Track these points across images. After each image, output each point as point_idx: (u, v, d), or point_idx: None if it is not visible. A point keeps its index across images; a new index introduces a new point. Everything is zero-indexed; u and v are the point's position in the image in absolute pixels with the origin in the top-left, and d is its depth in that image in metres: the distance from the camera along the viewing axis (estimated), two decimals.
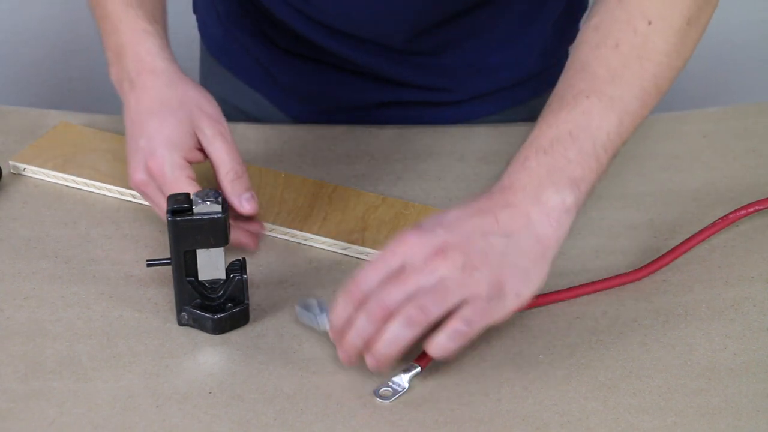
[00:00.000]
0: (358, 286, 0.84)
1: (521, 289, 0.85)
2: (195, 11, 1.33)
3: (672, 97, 1.96)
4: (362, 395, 0.87)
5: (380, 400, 0.86)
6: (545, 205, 0.87)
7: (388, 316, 0.83)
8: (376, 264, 0.85)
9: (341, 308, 0.85)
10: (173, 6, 1.78)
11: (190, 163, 0.97)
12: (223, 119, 0.99)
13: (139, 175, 0.97)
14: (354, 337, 0.84)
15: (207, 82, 1.33)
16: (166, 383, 0.88)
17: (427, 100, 1.20)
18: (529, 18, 1.19)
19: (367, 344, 0.84)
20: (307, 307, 0.91)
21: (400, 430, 0.84)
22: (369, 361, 0.85)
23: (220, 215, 0.88)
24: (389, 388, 0.87)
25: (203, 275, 0.92)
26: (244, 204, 0.97)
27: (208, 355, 0.90)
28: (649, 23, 0.91)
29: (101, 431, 0.84)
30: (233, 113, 1.28)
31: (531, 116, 1.25)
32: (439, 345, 0.84)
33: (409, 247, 0.84)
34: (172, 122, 0.97)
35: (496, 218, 0.86)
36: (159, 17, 1.03)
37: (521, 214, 0.86)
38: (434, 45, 1.18)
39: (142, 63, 0.99)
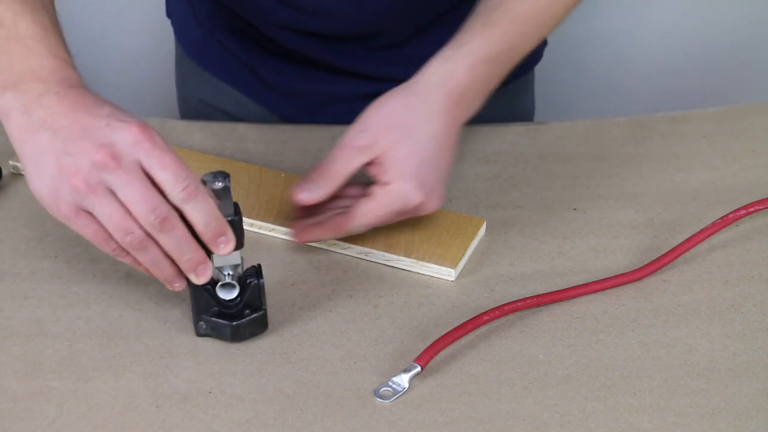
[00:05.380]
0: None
1: None
2: (169, 15, 1.32)
3: (672, 97, 1.97)
4: (362, 395, 0.87)
5: (380, 400, 0.86)
6: None
7: None
8: None
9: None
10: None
11: None
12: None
13: (100, 155, 0.82)
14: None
15: (185, 83, 1.33)
16: (166, 383, 0.88)
17: None
18: None
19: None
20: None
21: (400, 430, 0.84)
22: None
23: (233, 218, 0.87)
24: (389, 388, 0.87)
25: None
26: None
27: (208, 355, 0.90)
28: None
29: (101, 431, 0.84)
30: (213, 114, 1.28)
31: (505, 97, 1.27)
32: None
33: None
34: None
35: None
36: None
37: None
38: (417, 38, 1.18)
39: (69, 82, 0.87)
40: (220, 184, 0.86)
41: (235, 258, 0.90)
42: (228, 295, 0.90)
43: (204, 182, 0.86)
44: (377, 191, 0.96)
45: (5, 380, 0.88)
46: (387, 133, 0.96)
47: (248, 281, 0.90)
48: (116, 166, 0.82)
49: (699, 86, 1.93)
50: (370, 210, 0.96)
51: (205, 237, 0.85)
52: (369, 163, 0.96)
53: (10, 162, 1.10)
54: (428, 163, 0.96)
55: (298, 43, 1.18)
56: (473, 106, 1.00)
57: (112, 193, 0.83)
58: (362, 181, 0.99)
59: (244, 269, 0.91)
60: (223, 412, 0.85)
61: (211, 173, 0.86)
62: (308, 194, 0.96)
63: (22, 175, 1.10)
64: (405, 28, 1.17)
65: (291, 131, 1.19)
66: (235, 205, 0.88)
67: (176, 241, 0.85)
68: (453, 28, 1.19)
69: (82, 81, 0.88)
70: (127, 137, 0.82)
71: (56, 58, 0.87)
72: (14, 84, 0.86)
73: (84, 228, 0.85)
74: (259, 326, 0.92)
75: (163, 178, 0.83)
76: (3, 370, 0.88)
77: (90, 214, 0.84)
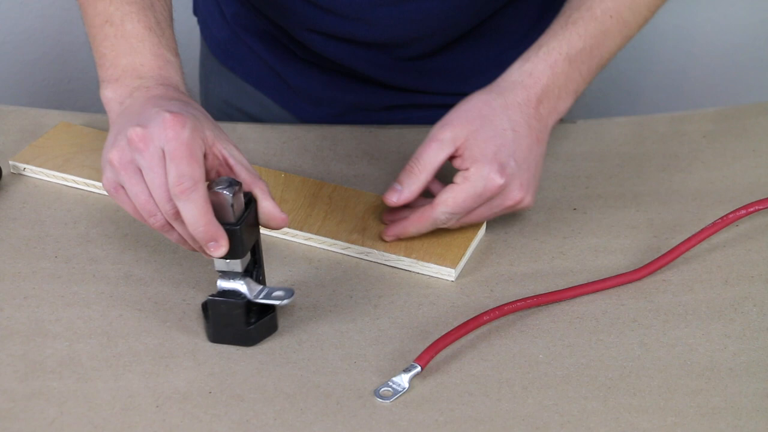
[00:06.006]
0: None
1: None
2: (195, 13, 1.32)
3: (672, 97, 1.97)
4: (362, 395, 0.87)
5: (380, 400, 0.86)
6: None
7: None
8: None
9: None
10: (172, 6, 1.79)
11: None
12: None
13: (132, 133, 0.86)
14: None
15: (208, 83, 1.33)
16: (166, 383, 0.88)
17: (438, 102, 1.21)
18: (537, 18, 1.20)
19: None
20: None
21: (400, 430, 0.84)
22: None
23: (235, 227, 0.87)
24: (389, 388, 0.87)
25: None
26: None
27: (208, 355, 0.90)
28: None
29: (101, 431, 0.84)
30: (236, 114, 1.28)
31: None
32: None
33: None
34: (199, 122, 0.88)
35: None
36: (177, 49, 0.98)
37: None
38: (447, 51, 1.18)
39: (165, 80, 0.94)
40: (222, 190, 0.86)
41: (235, 265, 0.89)
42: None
43: (210, 185, 0.86)
44: (458, 178, 0.97)
45: (5, 380, 0.88)
46: (467, 124, 0.97)
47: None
48: (143, 148, 0.85)
49: (699, 86, 1.93)
50: (452, 196, 0.97)
51: (195, 236, 0.86)
52: (453, 156, 0.98)
53: (10, 162, 1.10)
54: (507, 148, 0.97)
55: (328, 49, 1.18)
56: (560, 105, 1.01)
57: (141, 174, 0.86)
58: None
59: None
60: (223, 412, 0.85)
61: (224, 178, 0.87)
62: (397, 195, 0.98)
63: (22, 174, 1.10)
64: (437, 39, 1.17)
65: (291, 131, 1.19)
66: (243, 217, 0.87)
67: (188, 233, 0.87)
68: (485, 42, 1.19)
69: (180, 78, 0.95)
70: (159, 124, 0.85)
71: (156, 57, 0.94)
72: (117, 78, 0.94)
73: (123, 204, 0.89)
74: (270, 328, 0.92)
75: (168, 170, 0.85)
76: (3, 370, 0.89)
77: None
